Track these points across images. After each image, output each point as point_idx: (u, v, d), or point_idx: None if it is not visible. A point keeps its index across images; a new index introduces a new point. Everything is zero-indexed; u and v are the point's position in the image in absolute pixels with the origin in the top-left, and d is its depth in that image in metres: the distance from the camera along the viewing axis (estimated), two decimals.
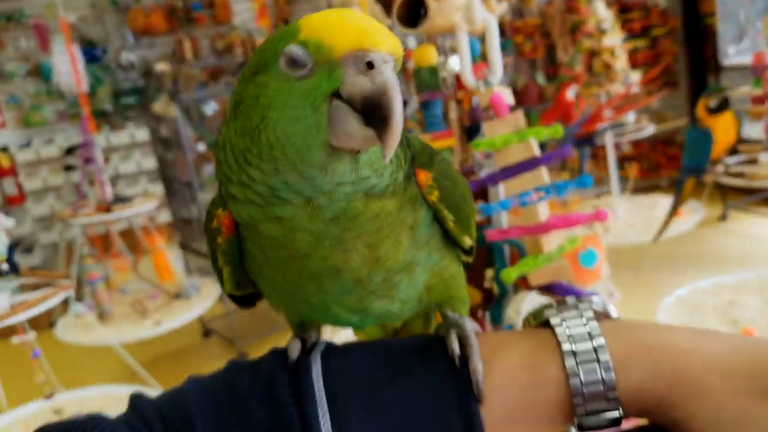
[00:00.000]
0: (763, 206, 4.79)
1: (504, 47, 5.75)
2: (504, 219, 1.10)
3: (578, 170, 5.80)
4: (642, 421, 0.51)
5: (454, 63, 1.16)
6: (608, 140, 3.83)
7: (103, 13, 5.60)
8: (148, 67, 5.58)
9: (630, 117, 3.84)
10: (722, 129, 3.07)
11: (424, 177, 0.53)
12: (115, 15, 5.65)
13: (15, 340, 2.45)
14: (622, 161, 6.05)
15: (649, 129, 4.01)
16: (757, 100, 3.27)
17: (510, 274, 0.94)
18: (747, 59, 3.21)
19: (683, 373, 0.46)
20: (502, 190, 1.05)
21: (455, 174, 0.57)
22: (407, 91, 1.82)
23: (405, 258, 0.53)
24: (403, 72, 1.51)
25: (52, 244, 5.43)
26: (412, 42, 1.98)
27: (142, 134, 5.36)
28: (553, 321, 0.51)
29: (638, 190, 5.67)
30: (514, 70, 5.94)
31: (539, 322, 0.54)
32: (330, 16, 0.45)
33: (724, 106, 3.06)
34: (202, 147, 4.33)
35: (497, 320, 1.07)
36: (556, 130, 0.93)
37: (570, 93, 3.83)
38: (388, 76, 0.44)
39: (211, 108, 4.46)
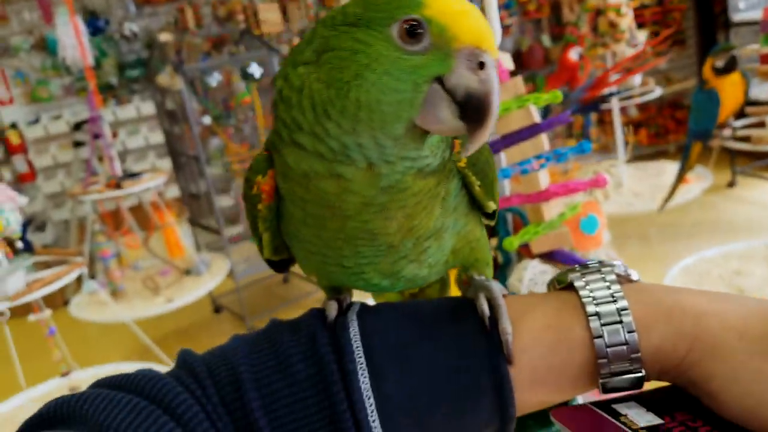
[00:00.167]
0: None
1: (508, 6, 5.57)
2: (506, 187, 1.10)
3: (581, 137, 5.69)
4: (662, 384, 0.52)
5: None
6: (614, 105, 3.72)
7: None
8: (152, 37, 5.51)
9: (636, 79, 3.70)
10: (730, 90, 2.96)
11: (456, 144, 0.55)
12: None
13: (32, 317, 2.52)
14: (630, 126, 5.92)
15: (656, 91, 3.87)
16: (766, 59, 3.04)
17: (512, 243, 0.96)
18: (758, 14, 3.02)
19: (702, 333, 0.47)
20: (503, 159, 1.05)
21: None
22: None
23: (435, 225, 0.55)
24: None
25: (64, 221, 5.50)
26: None
27: (148, 108, 5.33)
28: (577, 284, 0.52)
29: (645, 156, 5.56)
30: (519, 31, 5.77)
31: (563, 285, 0.55)
32: (457, 3, 0.46)
33: (731, 66, 2.94)
34: (207, 120, 4.31)
35: None
36: (555, 96, 0.92)
37: (573, 54, 3.70)
38: (494, 78, 0.46)
39: (215, 79, 4.41)
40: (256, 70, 4.24)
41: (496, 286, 0.56)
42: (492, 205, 0.60)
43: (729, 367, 0.45)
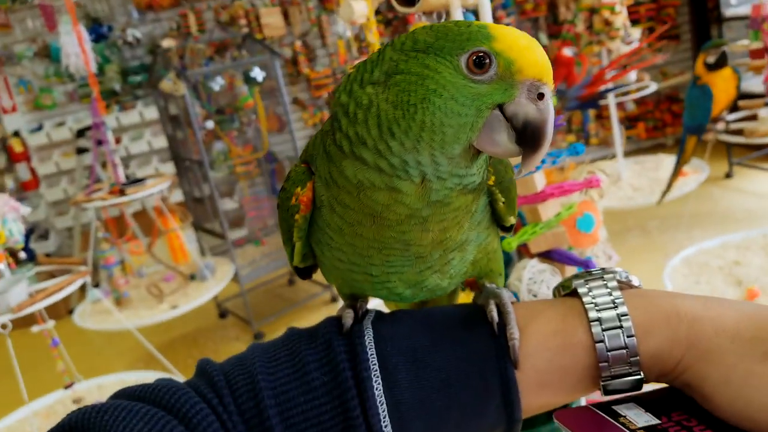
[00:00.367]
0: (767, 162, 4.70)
1: (505, 6, 5.55)
2: None
3: (581, 132, 5.71)
4: (661, 385, 0.54)
5: None
6: (611, 102, 3.78)
7: None
8: (155, 43, 5.50)
9: (632, 75, 3.74)
10: (722, 85, 2.99)
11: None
12: None
13: (35, 328, 2.49)
14: (629, 120, 5.95)
15: (652, 86, 3.94)
16: (757, 54, 3.11)
17: (511, 243, 0.97)
18: (749, 10, 3.05)
19: (696, 338, 0.49)
20: None
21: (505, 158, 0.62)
22: None
23: (461, 238, 0.57)
24: None
25: (67, 228, 5.50)
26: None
27: (151, 113, 5.33)
28: (581, 290, 0.55)
29: (643, 149, 5.58)
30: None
31: (568, 291, 0.58)
32: (523, 39, 0.50)
33: (722, 61, 2.97)
34: (210, 124, 4.29)
35: None
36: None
37: (567, 51, 3.72)
38: (551, 109, 0.50)
39: (218, 84, 4.40)
40: (258, 73, 4.23)
41: (506, 294, 0.58)
42: (512, 220, 0.63)
43: (721, 370, 0.47)
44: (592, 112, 5.74)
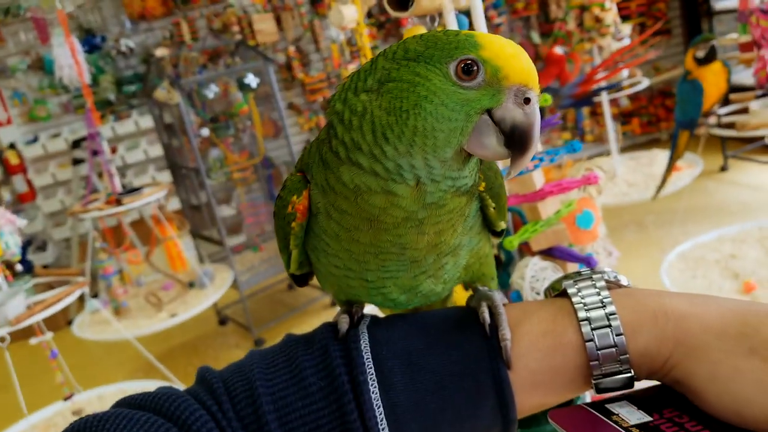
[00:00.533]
0: (762, 154, 4.73)
1: (497, 6, 5.57)
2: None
3: (576, 129, 5.74)
4: (652, 383, 0.55)
5: None
6: (604, 99, 3.80)
7: (100, 0, 5.50)
8: (148, 52, 5.50)
9: (624, 72, 3.76)
10: (712, 79, 3.02)
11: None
12: (111, 2, 5.56)
13: (33, 341, 2.48)
14: (624, 116, 5.98)
15: (644, 82, 3.97)
16: (746, 47, 3.11)
17: (513, 242, 0.98)
18: (737, 2, 3.10)
19: (683, 335, 0.50)
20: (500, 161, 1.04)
21: (495, 164, 0.64)
22: None
23: (454, 243, 0.59)
24: None
25: (65, 239, 5.48)
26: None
27: (147, 122, 5.32)
28: (570, 291, 0.56)
29: (638, 145, 5.60)
30: (509, 29, 5.79)
31: (558, 292, 0.59)
32: (509, 47, 0.52)
33: (712, 56, 2.99)
34: (206, 132, 4.29)
35: (504, 286, 1.11)
36: (545, 99, 0.94)
37: (558, 49, 3.74)
38: (537, 113, 0.52)
39: (212, 91, 4.40)
40: (252, 80, 4.22)
41: (498, 296, 0.60)
42: (502, 225, 0.64)
43: (708, 367, 0.48)
44: (585, 109, 5.76)
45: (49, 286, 2.89)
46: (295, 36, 5.63)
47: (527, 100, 0.51)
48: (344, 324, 0.59)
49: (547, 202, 1.02)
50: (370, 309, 0.68)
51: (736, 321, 0.49)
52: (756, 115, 3.09)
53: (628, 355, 0.51)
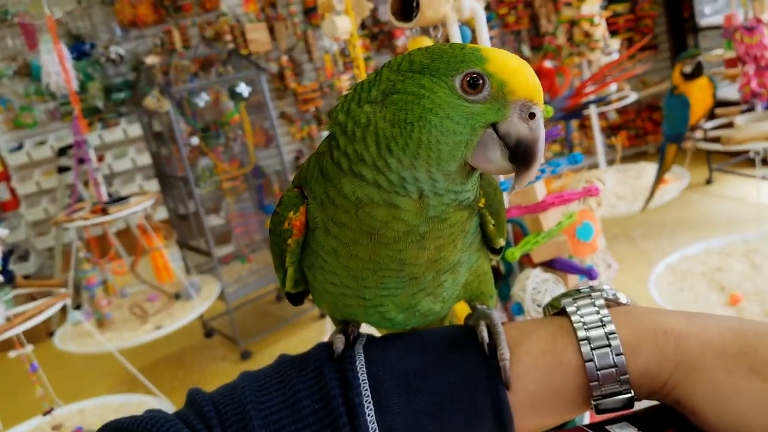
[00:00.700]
0: (746, 167, 4.82)
1: (488, 19, 5.65)
2: (505, 200, 1.10)
3: (565, 141, 5.80)
4: (652, 403, 0.54)
5: None
6: (593, 113, 3.86)
7: (90, 7, 5.46)
8: (138, 60, 5.45)
9: (612, 85, 3.85)
10: (698, 94, 3.09)
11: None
12: (101, 8, 5.52)
13: (13, 354, 2.40)
14: (612, 130, 6.06)
15: (632, 96, 4.03)
16: (731, 63, 3.23)
17: (514, 253, 0.98)
18: (722, 19, 3.20)
19: (683, 355, 0.49)
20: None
21: (495, 181, 0.63)
22: None
23: (454, 260, 0.58)
24: None
25: (48, 249, 5.38)
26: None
27: (135, 130, 5.26)
28: (569, 309, 0.55)
29: (625, 158, 5.69)
30: (500, 43, 5.86)
31: (557, 310, 0.58)
32: (515, 62, 0.52)
33: (698, 71, 3.07)
34: (195, 141, 4.24)
35: (504, 298, 1.11)
36: (548, 111, 0.93)
37: (548, 62, 3.80)
38: (542, 128, 0.52)
39: (202, 100, 4.36)
40: (244, 89, 4.19)
41: (496, 315, 0.59)
42: (501, 242, 0.64)
43: (708, 387, 0.48)
44: (574, 122, 5.82)
45: (31, 297, 2.81)
46: (288, 45, 5.62)
47: (532, 115, 0.51)
48: (340, 344, 0.58)
49: (548, 213, 1.03)
50: (366, 328, 0.66)
51: (735, 340, 0.49)
52: (741, 130, 3.15)
53: (627, 376, 0.51)
